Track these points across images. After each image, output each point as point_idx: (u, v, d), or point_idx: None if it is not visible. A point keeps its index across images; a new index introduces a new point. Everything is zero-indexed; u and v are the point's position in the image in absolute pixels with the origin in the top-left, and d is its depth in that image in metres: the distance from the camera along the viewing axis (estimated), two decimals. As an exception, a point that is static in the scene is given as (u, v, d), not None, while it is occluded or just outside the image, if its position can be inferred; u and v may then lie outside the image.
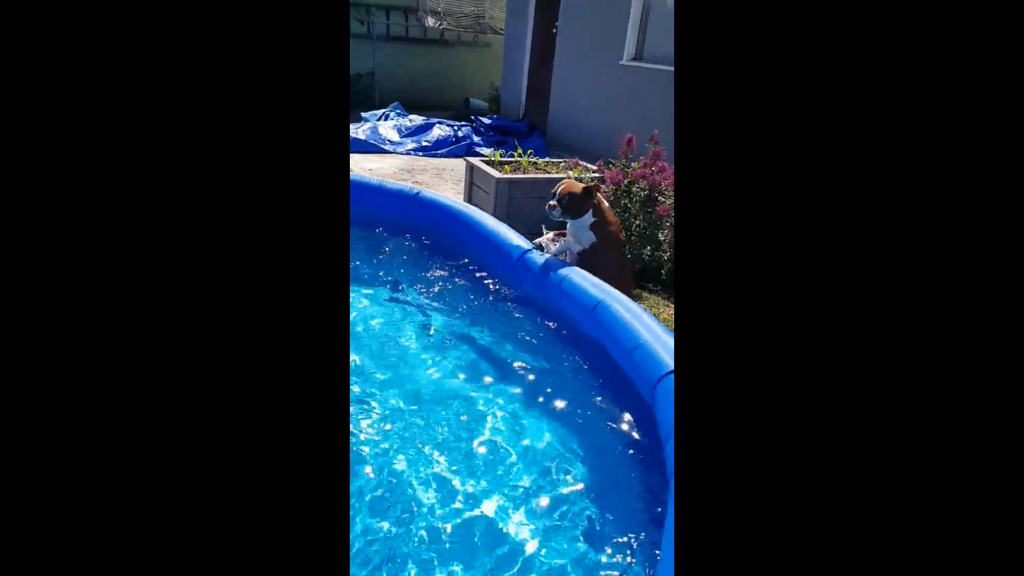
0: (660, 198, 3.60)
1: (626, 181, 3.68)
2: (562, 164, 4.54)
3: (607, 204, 2.57)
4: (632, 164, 3.77)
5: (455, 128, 7.39)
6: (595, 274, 2.40)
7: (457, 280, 2.87)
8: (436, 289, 2.77)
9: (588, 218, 2.52)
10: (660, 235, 3.61)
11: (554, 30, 7.87)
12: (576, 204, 2.48)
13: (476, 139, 7.36)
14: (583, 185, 2.49)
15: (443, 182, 5.85)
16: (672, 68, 5.89)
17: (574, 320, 2.26)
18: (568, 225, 2.60)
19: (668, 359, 1.70)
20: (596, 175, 4.13)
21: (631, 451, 1.74)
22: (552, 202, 2.51)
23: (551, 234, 2.90)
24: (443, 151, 7.07)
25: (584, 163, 4.45)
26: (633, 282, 2.88)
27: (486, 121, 7.86)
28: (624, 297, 2.13)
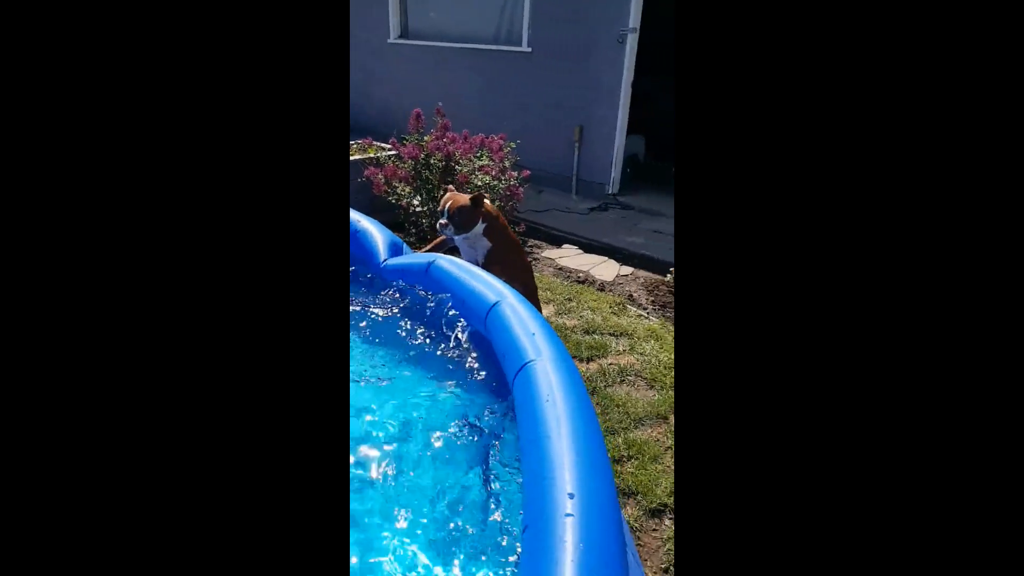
0: (456, 167, 3.92)
1: (423, 155, 3.92)
2: (355, 146, 4.57)
3: (491, 205, 2.52)
4: (424, 137, 4.01)
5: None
6: (505, 273, 2.34)
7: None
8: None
9: (479, 226, 2.47)
10: (463, 200, 3.94)
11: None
12: (468, 217, 2.43)
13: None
14: (468, 196, 2.44)
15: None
16: (437, 44, 6.20)
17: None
18: (460, 240, 2.52)
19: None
20: (391, 152, 4.28)
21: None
22: (443, 220, 2.44)
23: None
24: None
25: (377, 143, 4.55)
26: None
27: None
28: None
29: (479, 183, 3.82)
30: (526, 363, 1.41)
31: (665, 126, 5.54)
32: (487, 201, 2.46)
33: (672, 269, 3.49)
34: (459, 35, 6.04)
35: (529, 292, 2.59)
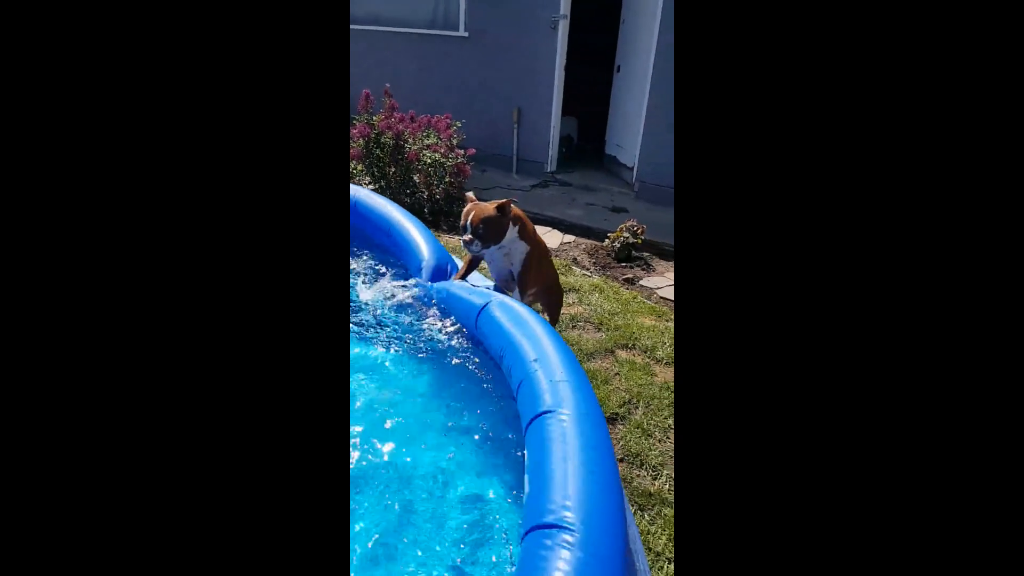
0: (405, 145, 4.11)
1: (374, 134, 4.08)
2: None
3: (517, 208, 2.22)
4: (374, 117, 4.17)
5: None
6: (540, 280, 2.29)
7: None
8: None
9: (512, 232, 2.14)
10: (415, 178, 4.14)
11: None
12: (495, 227, 2.10)
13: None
14: (493, 204, 2.10)
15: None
16: (379, 28, 6.28)
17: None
18: (490, 252, 2.18)
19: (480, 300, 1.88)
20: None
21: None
22: (467, 236, 2.09)
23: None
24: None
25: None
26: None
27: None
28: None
29: (428, 160, 4.03)
30: (547, 417, 1.36)
31: (597, 109, 5.94)
32: (513, 205, 2.15)
33: (610, 234, 3.86)
34: (399, 20, 6.15)
35: (558, 301, 2.51)
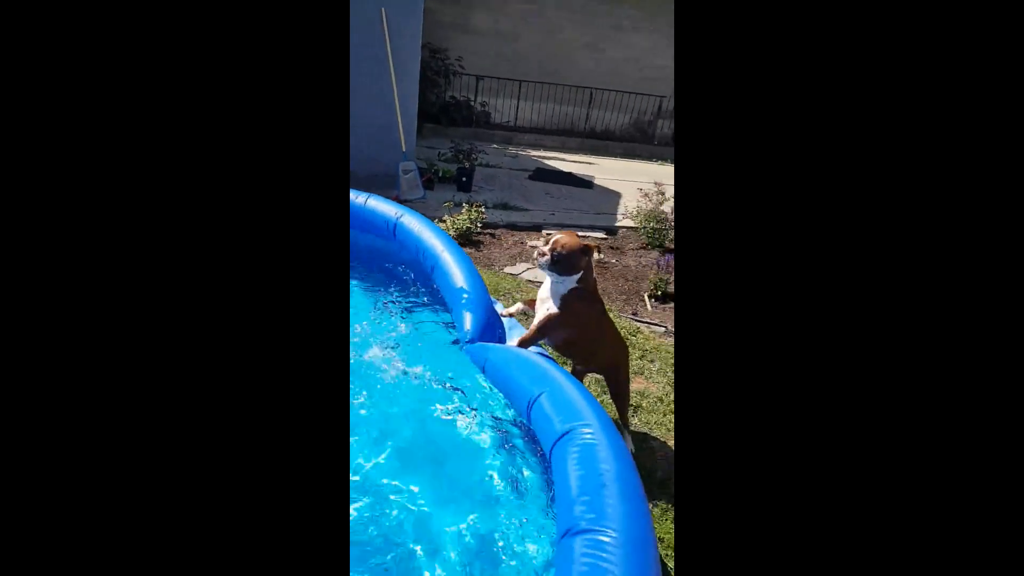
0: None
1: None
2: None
3: (596, 260, 2.15)
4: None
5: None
6: (594, 347, 2.17)
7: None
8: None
9: (572, 280, 2.09)
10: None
11: None
12: (569, 262, 2.06)
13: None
14: (582, 243, 2.08)
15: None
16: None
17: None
18: (552, 280, 2.13)
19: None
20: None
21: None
22: (544, 249, 2.08)
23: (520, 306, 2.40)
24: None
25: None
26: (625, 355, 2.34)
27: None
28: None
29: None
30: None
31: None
32: (597, 254, 2.11)
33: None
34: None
35: (623, 376, 2.29)
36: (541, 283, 2.36)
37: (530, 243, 4.66)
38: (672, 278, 3.88)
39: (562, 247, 2.05)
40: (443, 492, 1.68)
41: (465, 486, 1.73)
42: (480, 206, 4.78)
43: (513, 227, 5.05)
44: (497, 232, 4.86)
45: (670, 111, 10.84)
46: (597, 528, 1.13)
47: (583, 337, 2.16)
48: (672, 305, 3.73)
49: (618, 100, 10.72)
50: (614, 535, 1.11)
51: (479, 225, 4.61)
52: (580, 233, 4.53)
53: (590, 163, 8.93)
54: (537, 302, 2.18)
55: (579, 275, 2.09)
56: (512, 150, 9.26)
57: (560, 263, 2.06)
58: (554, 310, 2.10)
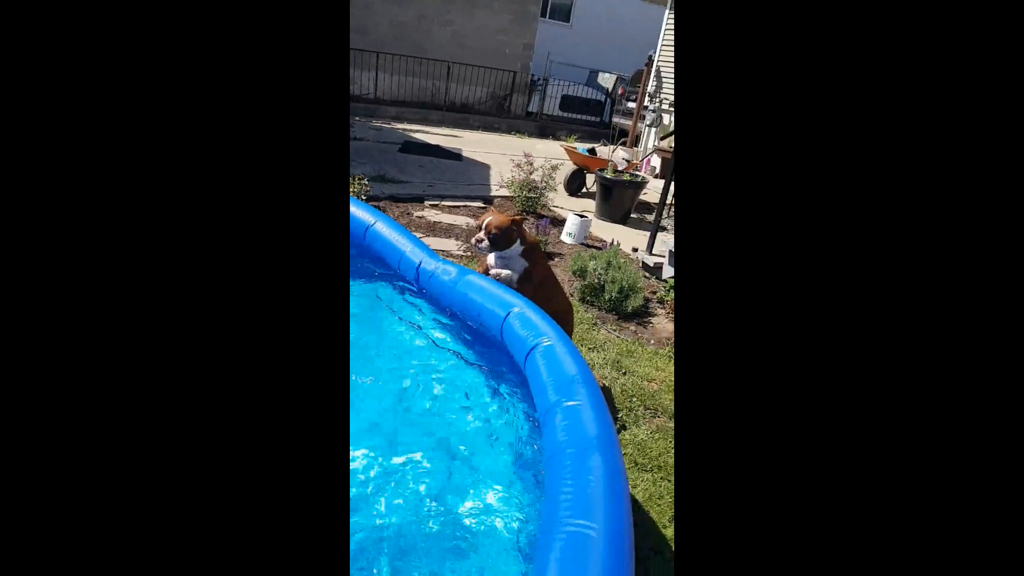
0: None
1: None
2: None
3: (528, 232, 2.51)
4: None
5: None
6: (541, 293, 2.45)
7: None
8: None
9: (517, 247, 2.48)
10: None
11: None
12: (505, 237, 2.44)
13: None
14: (510, 218, 2.45)
15: None
16: None
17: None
18: (494, 257, 2.51)
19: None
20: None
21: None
22: (480, 235, 2.45)
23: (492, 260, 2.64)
24: None
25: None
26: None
27: None
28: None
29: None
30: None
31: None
32: (524, 227, 2.51)
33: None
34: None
35: (568, 329, 2.59)
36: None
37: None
38: (548, 239, 4.43)
39: (496, 228, 2.40)
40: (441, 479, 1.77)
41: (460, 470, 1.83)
42: (363, 179, 4.89)
43: (395, 199, 5.23)
44: (381, 204, 5.01)
45: (523, 85, 11.48)
46: (568, 401, 1.47)
47: (548, 282, 2.56)
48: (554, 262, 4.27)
49: (475, 75, 11.07)
50: (580, 401, 1.47)
51: (363, 198, 4.72)
52: (459, 204, 4.86)
53: (454, 135, 9.21)
54: (491, 270, 2.49)
55: (518, 243, 2.46)
56: (376, 123, 9.20)
57: (498, 242, 2.42)
58: (514, 276, 2.44)
